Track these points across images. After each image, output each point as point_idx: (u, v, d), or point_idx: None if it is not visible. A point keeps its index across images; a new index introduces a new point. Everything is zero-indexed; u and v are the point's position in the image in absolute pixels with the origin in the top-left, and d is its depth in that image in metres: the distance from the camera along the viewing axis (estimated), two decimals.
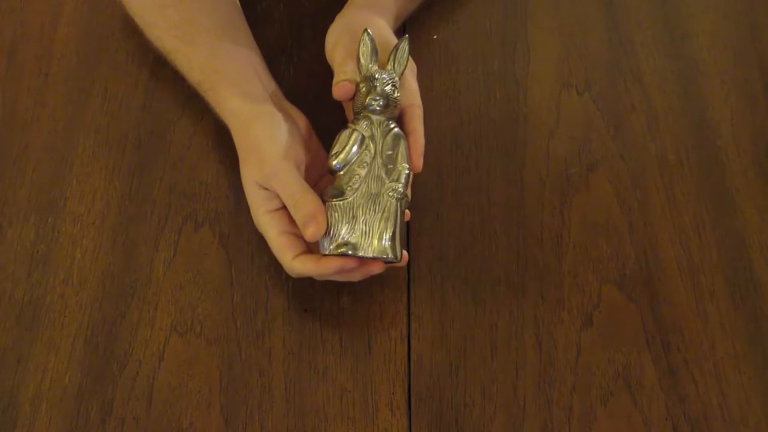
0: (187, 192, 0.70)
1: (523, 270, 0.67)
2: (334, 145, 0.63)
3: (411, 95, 0.65)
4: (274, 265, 0.67)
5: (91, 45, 0.77)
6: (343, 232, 0.60)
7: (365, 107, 0.63)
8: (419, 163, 0.63)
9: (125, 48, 0.76)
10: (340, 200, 0.61)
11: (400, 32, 0.76)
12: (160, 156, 0.71)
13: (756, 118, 0.75)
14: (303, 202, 0.60)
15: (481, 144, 0.73)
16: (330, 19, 0.77)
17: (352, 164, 0.62)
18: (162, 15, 0.71)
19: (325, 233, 0.60)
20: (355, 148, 0.62)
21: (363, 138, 0.62)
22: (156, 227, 0.68)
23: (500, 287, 0.67)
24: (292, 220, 0.62)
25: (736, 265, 0.68)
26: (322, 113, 0.71)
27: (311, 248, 0.62)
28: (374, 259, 0.61)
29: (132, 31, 0.75)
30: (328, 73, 0.75)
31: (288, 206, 0.61)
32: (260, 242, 0.67)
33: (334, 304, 0.66)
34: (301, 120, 0.67)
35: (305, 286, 0.66)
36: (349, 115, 0.69)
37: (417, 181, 0.66)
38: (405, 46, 0.64)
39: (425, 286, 0.66)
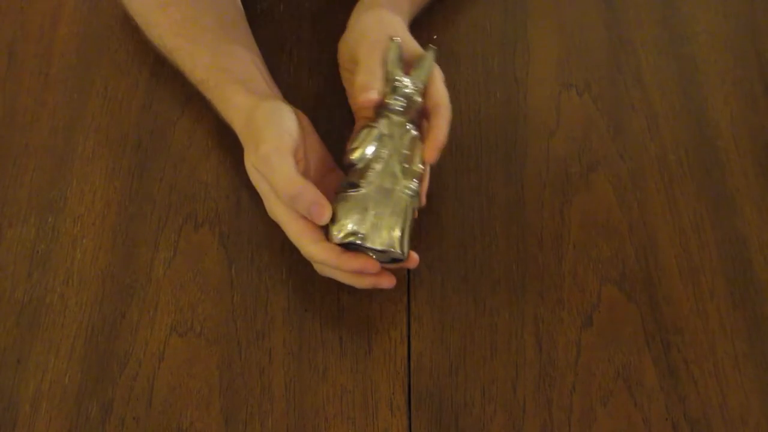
0: (187, 192, 0.70)
1: (523, 270, 0.67)
2: (353, 141, 0.63)
3: (440, 96, 0.65)
4: (274, 265, 0.67)
5: (91, 45, 0.77)
6: (353, 221, 0.60)
7: (386, 107, 0.63)
8: (433, 155, 0.63)
9: (125, 48, 0.76)
10: (354, 191, 0.61)
11: None
12: (160, 156, 0.71)
13: (756, 118, 0.75)
14: (300, 191, 0.60)
15: (481, 144, 0.73)
16: (330, 18, 0.78)
17: (368, 159, 0.62)
18: (164, 14, 0.71)
19: (334, 221, 0.60)
20: (373, 145, 0.62)
21: (381, 135, 0.63)
22: (156, 227, 0.68)
23: (500, 287, 0.67)
24: None
25: (736, 265, 0.68)
26: (322, 112, 0.71)
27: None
28: (380, 252, 0.60)
29: (132, 31, 0.75)
30: (328, 73, 0.75)
31: (278, 194, 0.60)
32: (260, 242, 0.67)
33: (334, 304, 0.66)
34: (303, 119, 0.67)
35: (305, 286, 0.66)
36: (359, 114, 0.69)
37: None
38: (431, 56, 0.66)
39: (425, 286, 0.66)
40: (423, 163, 0.63)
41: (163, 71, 0.74)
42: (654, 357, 0.64)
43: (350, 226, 0.60)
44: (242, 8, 0.74)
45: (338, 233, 0.60)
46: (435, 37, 0.77)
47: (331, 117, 0.72)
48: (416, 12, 0.75)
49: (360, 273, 0.61)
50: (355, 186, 0.61)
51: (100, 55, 0.76)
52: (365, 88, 0.63)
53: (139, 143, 0.72)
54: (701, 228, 0.69)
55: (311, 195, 0.60)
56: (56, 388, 0.62)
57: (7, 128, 0.73)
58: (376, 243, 0.60)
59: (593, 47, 0.78)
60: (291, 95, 0.70)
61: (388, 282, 0.62)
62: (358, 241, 0.60)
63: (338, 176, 0.66)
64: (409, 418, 0.62)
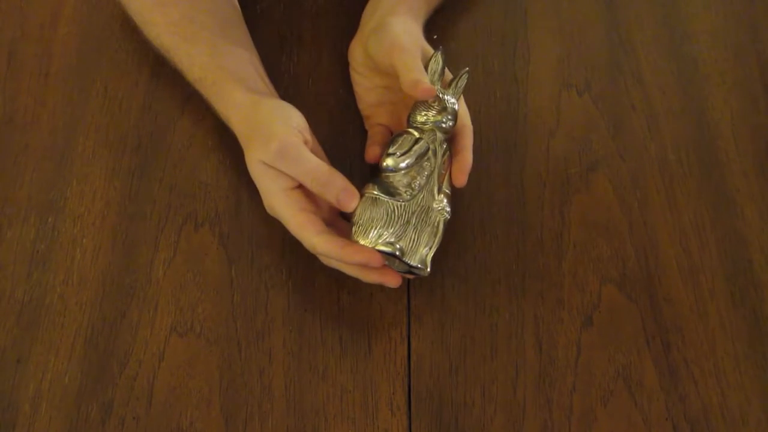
0: (187, 192, 0.70)
1: (523, 270, 0.67)
2: (393, 145, 0.63)
3: (463, 116, 0.66)
4: (274, 265, 0.67)
5: (91, 45, 0.77)
6: (391, 231, 0.60)
7: (434, 123, 0.64)
8: (464, 179, 0.64)
9: (125, 48, 0.76)
10: (393, 199, 0.61)
11: None
12: (160, 156, 0.71)
13: (756, 118, 0.75)
14: (331, 177, 0.61)
15: (481, 144, 0.73)
16: (330, 18, 0.78)
17: (410, 170, 0.62)
18: (161, 13, 0.71)
19: (368, 224, 0.61)
20: (416, 157, 0.62)
21: (428, 149, 0.63)
22: (156, 227, 0.68)
23: (500, 287, 0.67)
24: (308, 198, 0.62)
25: (736, 265, 0.68)
26: (322, 112, 0.72)
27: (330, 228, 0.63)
28: (411, 267, 0.61)
29: (132, 30, 0.75)
30: (328, 73, 0.75)
31: (309, 183, 0.61)
32: (260, 242, 0.67)
33: (334, 304, 0.66)
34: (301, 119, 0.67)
35: (305, 286, 0.66)
36: (372, 120, 0.69)
37: None
38: (466, 77, 0.66)
39: (425, 286, 0.66)
40: (451, 179, 0.64)
41: (163, 71, 0.74)
42: (654, 357, 0.64)
43: (389, 237, 0.60)
44: (239, 8, 0.74)
45: (376, 239, 0.60)
46: (435, 37, 0.77)
47: (331, 117, 0.73)
48: (426, 19, 0.75)
49: (363, 266, 0.61)
50: (393, 193, 0.61)
51: (100, 55, 0.76)
52: (418, 83, 0.62)
53: (139, 143, 0.72)
54: (701, 228, 0.69)
55: (341, 181, 0.61)
56: (56, 388, 0.62)
57: (7, 128, 0.73)
58: (414, 260, 0.61)
59: (593, 47, 0.78)
60: (291, 95, 0.70)
61: (394, 281, 0.62)
62: (397, 253, 0.60)
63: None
64: (409, 418, 0.62)
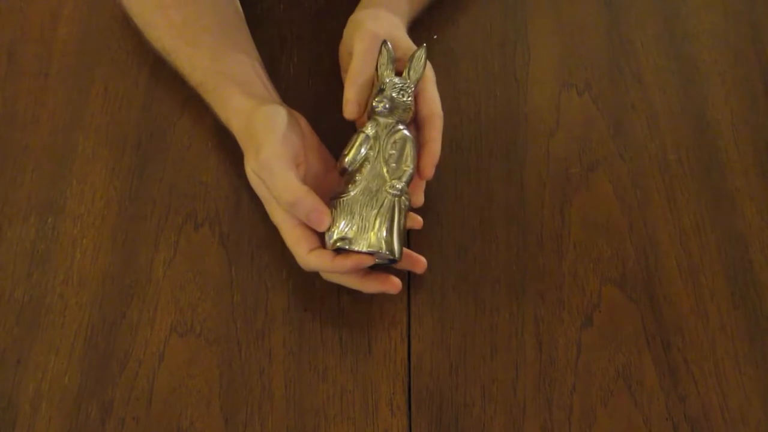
0: (187, 192, 0.70)
1: (523, 270, 0.67)
2: (345, 148, 0.63)
3: (432, 104, 0.65)
4: (274, 265, 0.67)
5: (91, 45, 0.77)
6: (341, 226, 0.61)
7: (372, 109, 0.64)
8: (430, 171, 0.63)
9: (125, 48, 0.76)
10: (344, 196, 0.61)
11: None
12: (160, 156, 0.71)
13: (756, 118, 0.75)
14: (299, 198, 0.60)
15: (481, 144, 0.73)
16: (330, 18, 0.78)
17: (358, 163, 0.63)
18: (163, 15, 0.71)
19: (327, 231, 0.61)
20: (362, 150, 0.63)
21: (368, 138, 0.63)
22: (156, 227, 0.68)
23: (500, 287, 0.67)
24: None
25: (736, 265, 0.68)
26: (322, 113, 0.71)
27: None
28: (370, 254, 0.60)
29: (132, 31, 0.75)
30: (328, 73, 0.75)
31: (281, 201, 0.61)
32: (260, 242, 0.67)
33: (334, 304, 0.66)
34: (301, 120, 0.67)
35: (305, 286, 0.66)
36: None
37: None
38: (422, 54, 0.65)
39: (425, 286, 0.66)
40: (412, 163, 0.63)
41: (162, 72, 0.74)
42: (654, 357, 0.64)
43: (338, 232, 0.60)
44: (242, 12, 0.74)
45: (329, 239, 0.61)
46: (435, 36, 0.77)
47: (331, 117, 0.72)
48: (416, 14, 0.75)
49: (354, 270, 0.61)
50: (345, 191, 0.62)
51: (100, 55, 0.76)
52: (345, 100, 0.64)
53: (139, 143, 0.72)
54: (701, 228, 0.69)
55: (310, 202, 0.60)
56: (56, 388, 0.62)
57: (7, 128, 0.73)
58: (363, 246, 0.60)
59: (593, 47, 0.78)
60: (291, 95, 0.70)
61: (394, 287, 0.62)
62: (347, 246, 0.60)
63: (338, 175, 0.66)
64: (409, 418, 0.62)
